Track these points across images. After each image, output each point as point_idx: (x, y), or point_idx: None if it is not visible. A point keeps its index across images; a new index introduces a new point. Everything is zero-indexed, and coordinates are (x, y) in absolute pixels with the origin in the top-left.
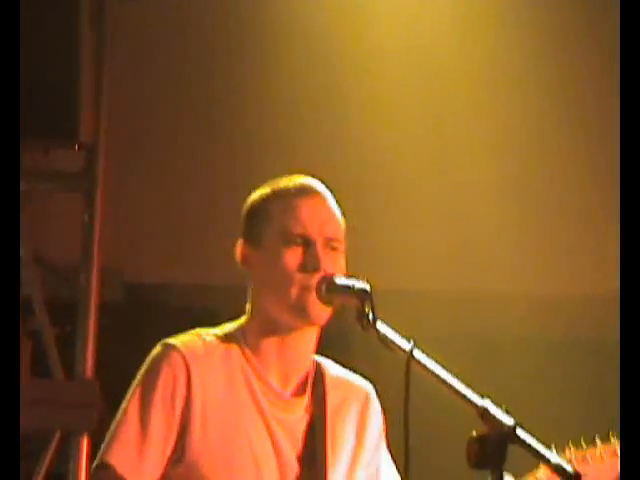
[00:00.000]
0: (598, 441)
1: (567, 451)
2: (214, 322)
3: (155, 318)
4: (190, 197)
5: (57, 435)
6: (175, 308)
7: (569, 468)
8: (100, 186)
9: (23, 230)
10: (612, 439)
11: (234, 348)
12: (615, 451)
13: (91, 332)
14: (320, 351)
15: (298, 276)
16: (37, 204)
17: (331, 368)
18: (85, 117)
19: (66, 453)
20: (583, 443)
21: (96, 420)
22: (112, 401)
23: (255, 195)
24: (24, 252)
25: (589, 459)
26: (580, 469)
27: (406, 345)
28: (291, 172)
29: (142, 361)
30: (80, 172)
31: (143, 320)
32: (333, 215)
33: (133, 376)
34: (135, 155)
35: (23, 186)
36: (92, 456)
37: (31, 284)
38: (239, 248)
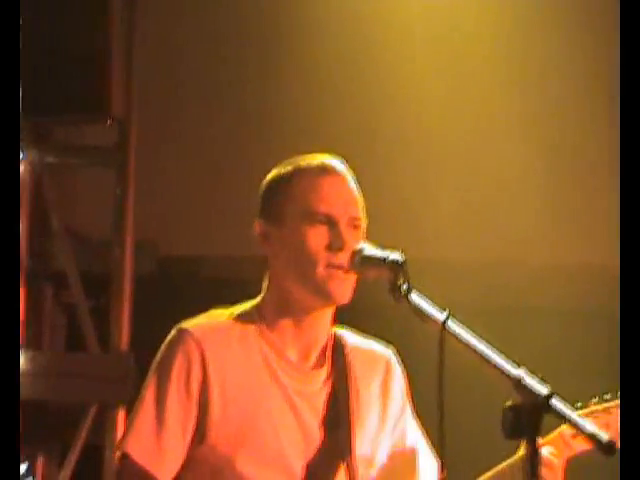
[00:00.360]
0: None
1: (591, 404)
2: (247, 293)
3: (189, 290)
4: (222, 169)
5: (93, 408)
6: (208, 279)
7: (604, 437)
8: (132, 160)
9: (56, 204)
10: None
11: (250, 327)
12: None
13: (126, 305)
14: (353, 324)
15: (323, 255)
16: (70, 178)
17: (350, 337)
18: (117, 91)
19: (102, 426)
20: (605, 395)
21: (131, 392)
22: (147, 373)
23: (275, 173)
24: (58, 226)
25: (612, 410)
26: (603, 420)
27: (440, 316)
28: (318, 147)
29: None
30: (112, 146)
31: (177, 292)
32: (355, 195)
33: None
34: (167, 128)
35: (56, 160)
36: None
37: (65, 258)
38: (257, 226)
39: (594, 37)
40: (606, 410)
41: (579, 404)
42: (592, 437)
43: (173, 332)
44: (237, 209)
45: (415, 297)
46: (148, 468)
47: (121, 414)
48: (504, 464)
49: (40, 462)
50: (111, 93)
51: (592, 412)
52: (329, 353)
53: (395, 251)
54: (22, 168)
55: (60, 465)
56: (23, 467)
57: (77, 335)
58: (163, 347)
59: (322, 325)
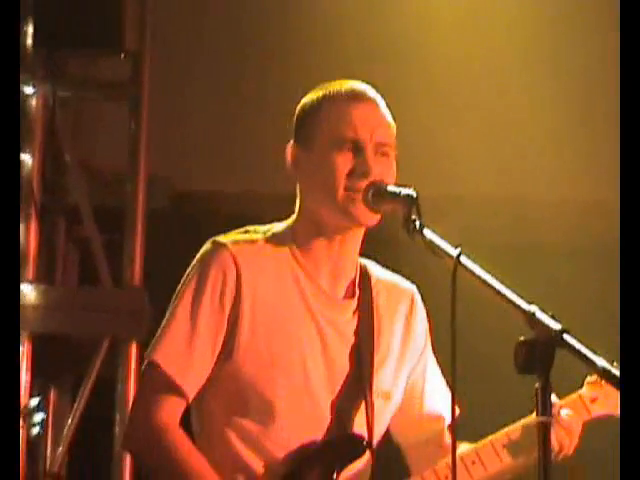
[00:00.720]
0: None
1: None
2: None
3: (203, 226)
4: (238, 104)
5: (106, 342)
6: (223, 215)
7: (616, 372)
8: (146, 94)
9: (69, 139)
10: None
11: (283, 248)
12: None
13: (139, 240)
14: (369, 256)
15: (347, 181)
16: (84, 112)
17: (375, 270)
18: (130, 25)
19: (115, 359)
20: None
21: (145, 327)
22: (160, 308)
23: (307, 98)
24: (71, 160)
25: None
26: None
27: (453, 251)
28: (344, 77)
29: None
30: (126, 80)
31: (190, 227)
32: (385, 120)
33: (180, 284)
34: (182, 62)
35: (69, 94)
36: (141, 362)
37: (79, 192)
38: (289, 150)
39: None
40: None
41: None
42: (603, 372)
43: (208, 244)
44: (256, 143)
45: (428, 232)
46: (175, 378)
47: (134, 348)
48: (520, 423)
49: (52, 396)
50: (124, 27)
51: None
52: (358, 283)
53: (408, 187)
54: (34, 102)
55: (73, 399)
56: (35, 401)
57: (90, 270)
58: (197, 259)
59: (351, 249)
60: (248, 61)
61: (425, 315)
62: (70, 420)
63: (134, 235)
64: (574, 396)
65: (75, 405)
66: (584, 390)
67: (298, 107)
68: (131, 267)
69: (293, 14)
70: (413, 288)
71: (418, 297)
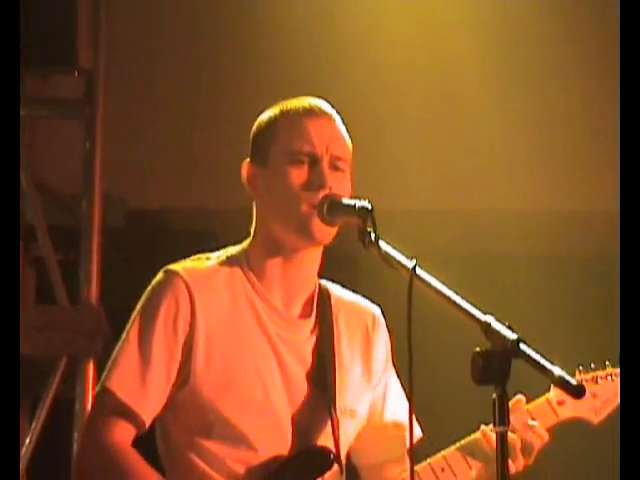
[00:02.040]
0: (608, 363)
1: (576, 373)
2: (215, 246)
3: (158, 243)
4: (191, 122)
5: (63, 361)
6: (177, 232)
7: (573, 380)
8: (100, 112)
9: (24, 158)
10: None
11: (237, 271)
12: None
13: (94, 258)
14: (326, 274)
15: (304, 194)
16: (38, 132)
17: (337, 290)
18: (83, 42)
19: (73, 378)
20: (592, 364)
21: (102, 345)
22: (117, 326)
23: (263, 115)
24: (25, 180)
25: (599, 379)
26: (590, 389)
27: (408, 263)
28: (298, 94)
29: (145, 285)
30: (80, 98)
31: (146, 245)
32: (340, 135)
33: (137, 300)
34: (136, 80)
35: (23, 114)
36: (98, 381)
37: (34, 211)
38: (245, 168)
39: None
40: (593, 379)
41: (592, 365)
42: (561, 381)
43: (161, 274)
44: (208, 161)
45: (384, 244)
46: (131, 405)
47: (91, 367)
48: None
49: None
50: (78, 45)
51: (607, 374)
52: (316, 303)
53: (362, 199)
54: None
55: (31, 418)
56: None
57: (47, 289)
58: (150, 287)
59: (308, 269)
60: (202, 79)
61: (387, 335)
62: (28, 440)
63: (90, 254)
64: (542, 400)
65: (33, 425)
66: (551, 393)
67: (254, 125)
68: (87, 286)
69: (247, 32)
70: (375, 308)
71: (380, 317)
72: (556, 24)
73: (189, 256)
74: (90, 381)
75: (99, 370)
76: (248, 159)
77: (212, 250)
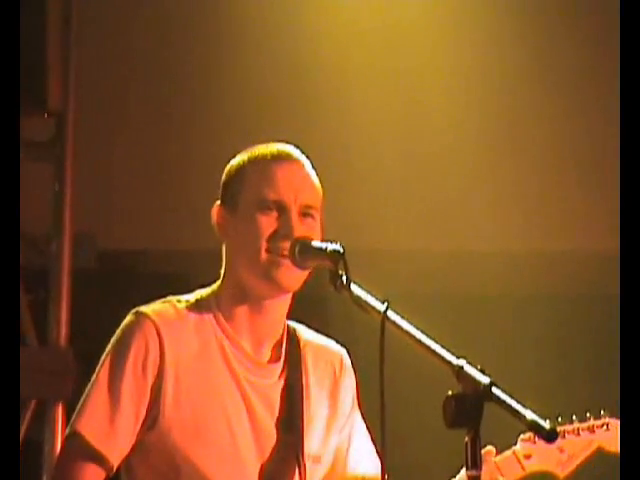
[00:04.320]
0: (575, 418)
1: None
2: (187, 287)
3: (129, 284)
4: (162, 163)
5: (32, 403)
6: (148, 274)
7: (545, 424)
8: (70, 154)
9: None
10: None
11: (207, 315)
12: (591, 427)
13: (64, 299)
14: (296, 316)
15: (270, 243)
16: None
17: (305, 333)
18: (53, 84)
19: (41, 420)
20: (559, 418)
21: (71, 387)
22: (86, 368)
23: (233, 161)
24: None
25: (566, 434)
26: (557, 443)
27: (380, 306)
28: (268, 140)
29: (116, 327)
30: (50, 140)
31: (116, 286)
32: (309, 182)
33: (107, 342)
34: (106, 121)
35: None
36: (67, 423)
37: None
38: (215, 211)
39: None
40: (561, 433)
41: (559, 419)
42: (533, 425)
43: (130, 316)
44: (178, 203)
45: (355, 287)
46: (99, 448)
47: (60, 409)
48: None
49: None
50: (48, 87)
51: (574, 429)
52: (285, 347)
53: (334, 242)
54: None
55: None
56: None
57: None
58: (119, 330)
59: (277, 314)
60: (172, 120)
61: (353, 378)
62: None
63: (60, 295)
64: (508, 453)
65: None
66: (518, 447)
67: (225, 170)
68: (57, 327)
69: (217, 74)
70: (342, 351)
71: (347, 360)
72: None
73: (160, 298)
74: (59, 423)
75: (68, 412)
76: (218, 202)
77: (183, 292)
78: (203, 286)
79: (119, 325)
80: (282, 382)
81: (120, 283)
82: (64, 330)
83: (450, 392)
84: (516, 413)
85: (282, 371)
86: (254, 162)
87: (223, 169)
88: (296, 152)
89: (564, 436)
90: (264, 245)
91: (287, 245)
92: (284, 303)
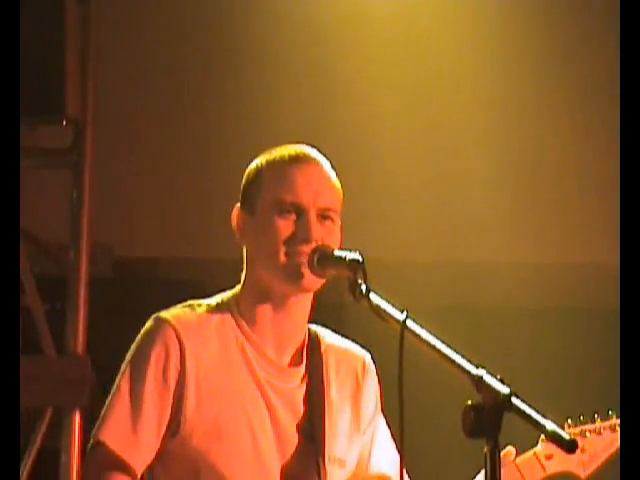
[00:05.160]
0: (597, 417)
1: (565, 426)
2: (202, 295)
3: (145, 292)
4: (179, 171)
5: (49, 411)
6: (165, 282)
7: (565, 435)
8: (88, 162)
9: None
10: (611, 415)
11: (228, 318)
12: (613, 426)
13: (81, 308)
14: (315, 323)
15: (289, 246)
16: (24, 181)
17: (327, 336)
18: (71, 92)
19: (59, 429)
20: (581, 417)
21: (88, 395)
22: (104, 376)
23: (252, 164)
24: None
25: (587, 433)
26: (578, 443)
27: (399, 315)
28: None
29: (133, 335)
30: (67, 148)
31: (133, 294)
32: (328, 184)
33: (124, 351)
34: (123, 129)
35: None
36: (84, 431)
37: (21, 261)
38: (235, 214)
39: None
40: (582, 433)
41: (581, 418)
42: (553, 435)
43: (150, 321)
44: (196, 210)
45: (375, 296)
46: (124, 457)
47: (77, 417)
48: None
49: None
50: (66, 94)
51: (596, 428)
52: (306, 350)
53: (353, 251)
54: None
55: None
56: None
57: (33, 339)
58: (140, 336)
59: (298, 316)
60: (188, 129)
61: (376, 381)
62: None
63: (77, 303)
64: (529, 454)
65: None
66: (539, 447)
67: (245, 173)
68: (74, 336)
69: (233, 80)
70: (365, 354)
71: (370, 363)
72: (549, 78)
73: (176, 305)
74: (76, 432)
75: (85, 421)
76: (239, 204)
77: (200, 298)
78: (221, 292)
79: (136, 333)
80: (304, 386)
81: (136, 291)
82: (81, 339)
83: (469, 402)
84: (536, 423)
85: (304, 375)
86: (271, 164)
87: (238, 178)
88: (314, 153)
89: (585, 435)
90: (282, 249)
91: (305, 248)
92: (305, 304)
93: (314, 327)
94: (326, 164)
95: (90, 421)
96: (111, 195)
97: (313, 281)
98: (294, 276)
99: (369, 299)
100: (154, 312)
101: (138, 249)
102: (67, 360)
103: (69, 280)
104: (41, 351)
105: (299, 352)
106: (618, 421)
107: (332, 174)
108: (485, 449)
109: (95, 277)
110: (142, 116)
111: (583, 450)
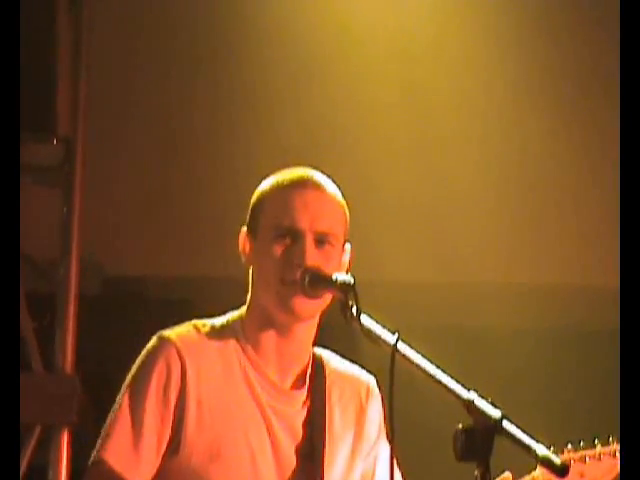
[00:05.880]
0: (597, 442)
1: (565, 451)
2: (192, 314)
3: (135, 311)
4: (170, 189)
5: (38, 428)
6: (154, 300)
7: (557, 460)
8: (78, 179)
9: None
10: (612, 441)
11: (231, 340)
12: (612, 452)
13: (70, 325)
14: (323, 342)
15: (283, 271)
16: None
17: (332, 360)
18: (62, 110)
19: (47, 446)
20: (581, 442)
21: (76, 413)
22: (92, 393)
23: (258, 188)
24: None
25: (587, 458)
26: (577, 468)
27: (390, 338)
28: (272, 168)
29: (121, 353)
30: (58, 166)
31: (122, 312)
32: (328, 208)
33: (113, 368)
34: (114, 147)
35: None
36: (73, 449)
37: None
38: (241, 237)
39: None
40: (581, 458)
41: (581, 443)
42: (544, 460)
43: (154, 339)
44: (187, 229)
45: (366, 319)
46: (125, 474)
47: (65, 435)
48: None
49: None
50: (57, 113)
51: (596, 454)
52: (310, 374)
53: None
54: None
55: None
56: None
57: (21, 355)
58: (143, 354)
59: (302, 341)
60: (178, 149)
61: (380, 405)
62: None
63: (66, 321)
64: (528, 478)
65: None
66: (537, 472)
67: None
68: (62, 353)
69: (225, 101)
70: (370, 379)
71: (375, 388)
72: (540, 88)
73: (166, 324)
74: (64, 449)
75: (74, 438)
76: (245, 227)
77: (188, 319)
78: (209, 313)
79: (124, 351)
80: (305, 410)
81: (126, 309)
82: (70, 356)
83: (460, 425)
84: (527, 448)
85: (306, 399)
86: (274, 188)
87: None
88: (317, 177)
89: (585, 461)
90: (278, 274)
91: (300, 274)
92: (309, 330)
93: (320, 351)
94: (330, 189)
95: (78, 438)
96: (101, 213)
97: (307, 310)
98: (286, 307)
99: (360, 322)
100: (143, 330)
101: (129, 267)
102: (55, 377)
103: (58, 297)
104: (30, 368)
105: (302, 376)
106: (618, 447)
107: (336, 199)
108: (476, 473)
109: (85, 294)
110: (134, 135)
111: (582, 475)
